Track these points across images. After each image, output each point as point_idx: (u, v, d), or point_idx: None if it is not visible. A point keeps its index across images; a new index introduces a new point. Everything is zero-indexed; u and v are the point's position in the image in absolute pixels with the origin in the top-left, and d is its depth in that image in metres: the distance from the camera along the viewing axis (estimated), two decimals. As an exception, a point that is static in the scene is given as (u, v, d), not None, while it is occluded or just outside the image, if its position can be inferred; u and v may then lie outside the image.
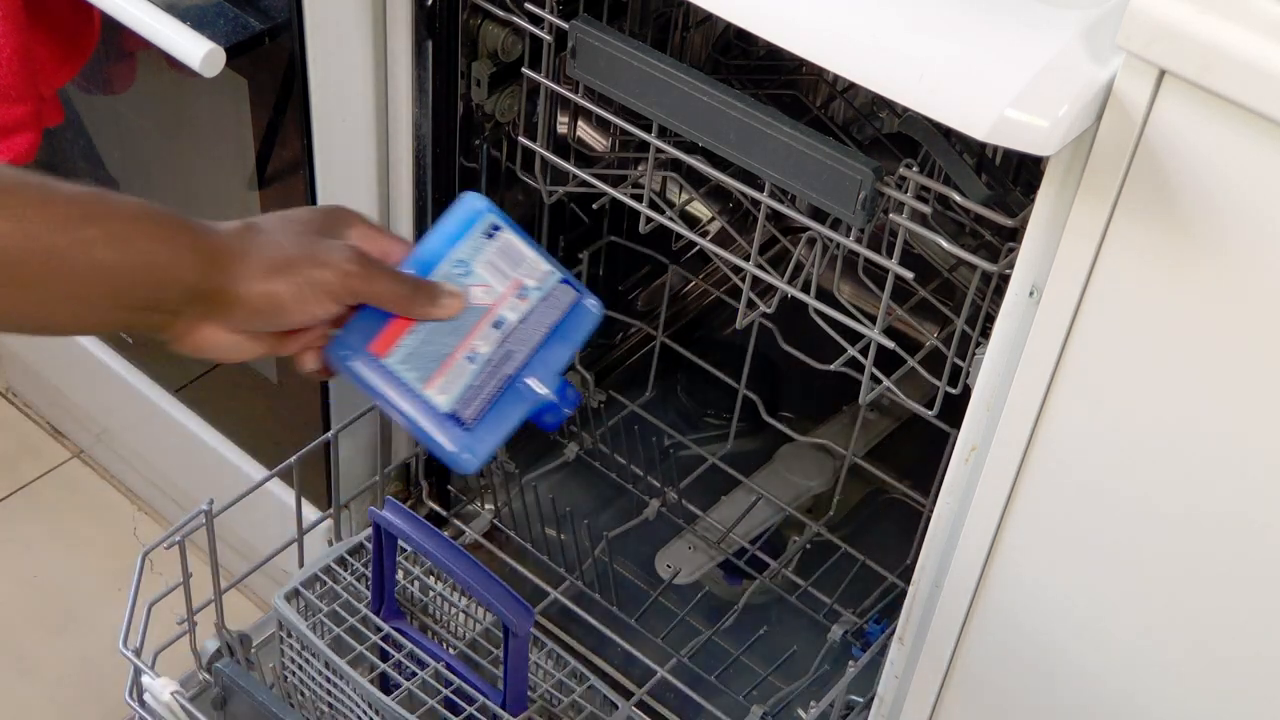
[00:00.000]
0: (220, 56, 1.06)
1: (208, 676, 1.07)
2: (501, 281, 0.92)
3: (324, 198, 1.19)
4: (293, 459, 1.10)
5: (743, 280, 1.03)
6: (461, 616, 1.06)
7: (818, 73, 1.20)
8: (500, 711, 0.98)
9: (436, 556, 0.96)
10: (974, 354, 0.91)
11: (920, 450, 1.36)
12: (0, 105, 1.12)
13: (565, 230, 1.35)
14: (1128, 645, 0.89)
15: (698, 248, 1.10)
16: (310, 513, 1.18)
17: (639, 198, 1.06)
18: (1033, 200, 0.78)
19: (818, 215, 0.97)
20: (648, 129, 1.01)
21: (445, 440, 0.88)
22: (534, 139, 1.10)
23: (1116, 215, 0.75)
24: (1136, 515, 0.84)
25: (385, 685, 1.03)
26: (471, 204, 0.92)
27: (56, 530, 1.75)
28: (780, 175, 0.92)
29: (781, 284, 1.01)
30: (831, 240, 0.99)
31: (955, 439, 0.91)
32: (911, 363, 1.00)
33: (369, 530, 1.01)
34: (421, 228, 1.16)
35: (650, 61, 0.94)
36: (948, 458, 0.98)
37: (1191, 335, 0.76)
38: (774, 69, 1.22)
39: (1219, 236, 0.72)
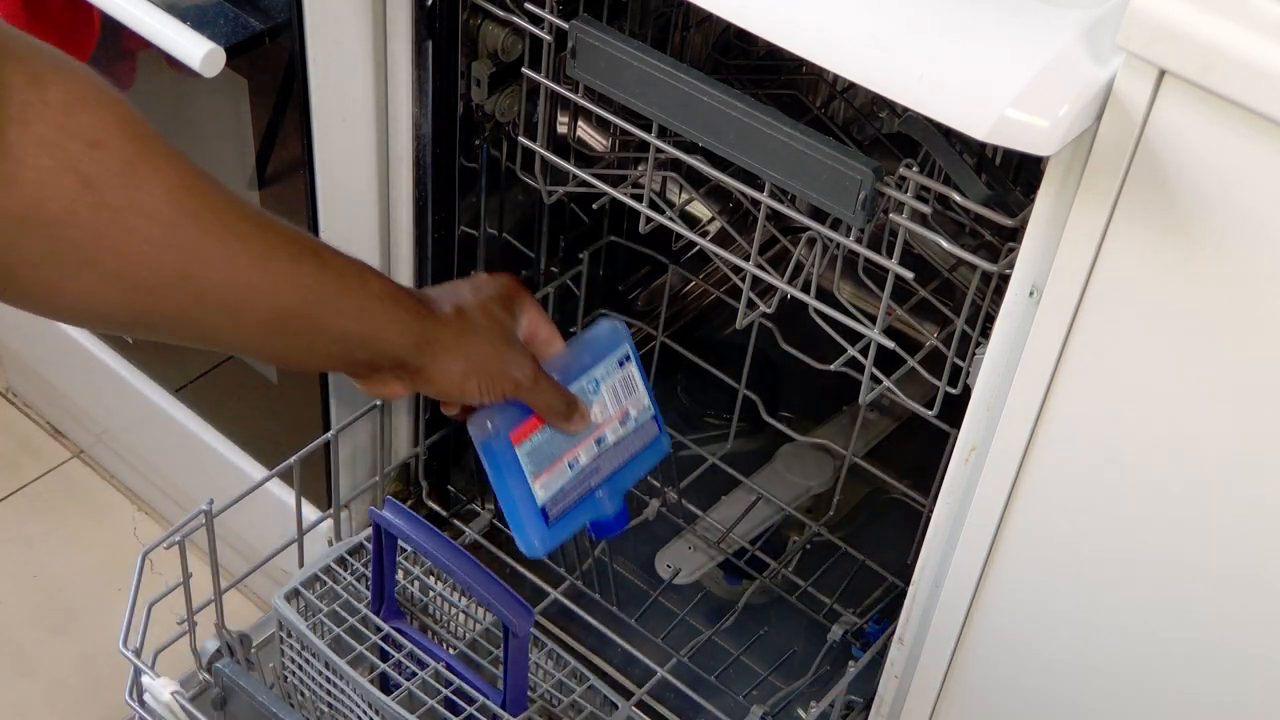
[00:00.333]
0: (220, 56, 1.06)
1: (208, 676, 1.07)
2: (615, 406, 1.07)
3: (324, 198, 1.19)
4: (293, 459, 1.10)
5: (743, 280, 1.03)
6: (461, 616, 1.06)
7: (818, 73, 1.20)
8: (500, 711, 0.98)
9: (436, 556, 0.96)
10: (974, 354, 0.91)
11: (920, 450, 1.36)
12: (0, 105, 1.12)
13: (565, 230, 1.35)
14: (1128, 645, 0.89)
15: (698, 248, 1.10)
16: (310, 513, 1.18)
17: (639, 198, 1.06)
18: (1033, 200, 0.78)
19: (818, 215, 0.97)
20: (648, 129, 1.01)
21: (530, 530, 1.02)
22: (534, 139, 1.10)
23: (1116, 215, 0.75)
24: (1136, 515, 0.84)
25: (385, 685, 1.03)
26: (619, 333, 1.08)
27: (56, 530, 1.75)
28: (780, 175, 0.92)
29: (781, 284, 1.01)
30: (831, 240, 0.99)
31: (955, 439, 0.91)
32: (911, 363, 1.00)
33: (369, 530, 1.01)
34: (421, 227, 1.16)
35: (650, 61, 0.94)
36: (948, 458, 0.98)
37: (1191, 335, 0.76)
38: (774, 69, 1.22)
39: (1219, 236, 0.72)
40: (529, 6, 1.01)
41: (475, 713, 0.99)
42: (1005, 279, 0.83)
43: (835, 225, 0.98)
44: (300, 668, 1.05)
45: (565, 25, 0.98)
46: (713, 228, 1.38)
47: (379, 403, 1.19)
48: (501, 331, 0.99)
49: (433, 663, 1.01)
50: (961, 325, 0.96)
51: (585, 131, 1.25)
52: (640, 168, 1.07)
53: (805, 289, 1.00)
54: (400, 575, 1.05)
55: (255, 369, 1.39)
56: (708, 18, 1.18)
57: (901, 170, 0.89)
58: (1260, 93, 0.66)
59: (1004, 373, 0.85)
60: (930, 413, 1.00)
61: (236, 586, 1.15)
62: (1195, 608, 0.85)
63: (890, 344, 0.97)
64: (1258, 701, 0.86)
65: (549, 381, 1.01)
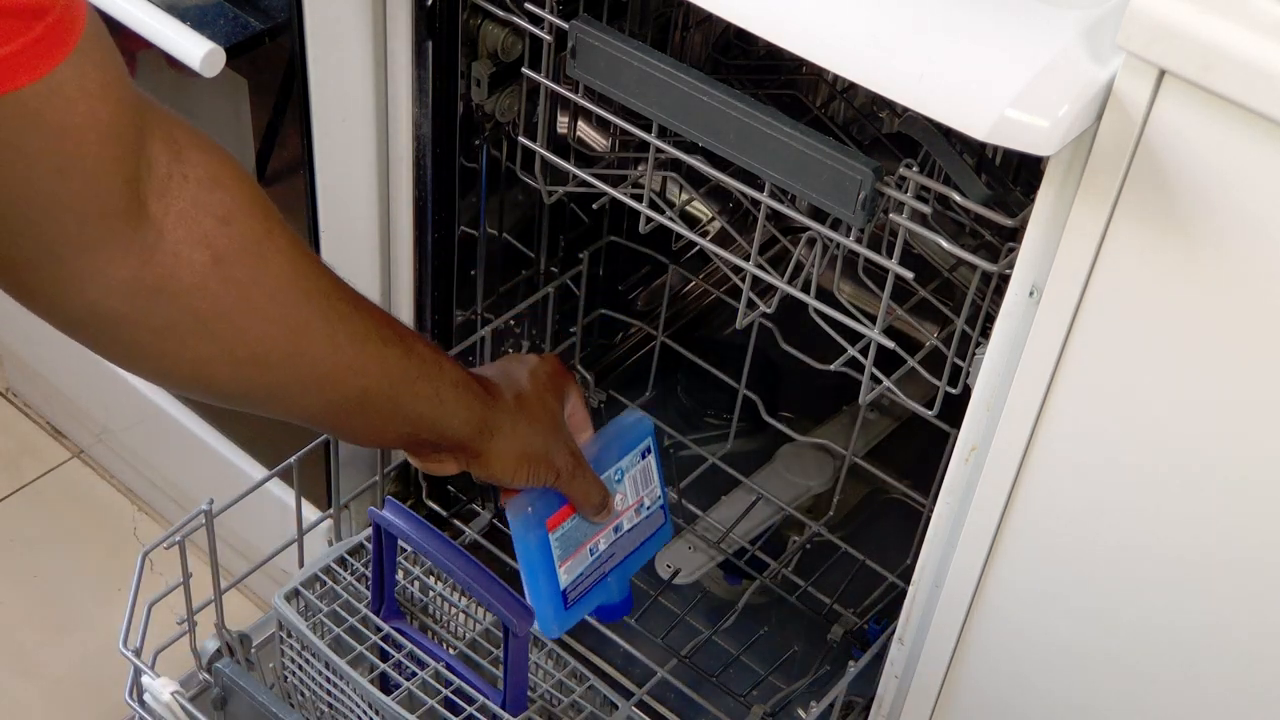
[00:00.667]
0: (220, 56, 1.06)
1: (208, 676, 1.07)
2: (634, 495, 1.13)
3: (324, 198, 1.19)
4: (293, 459, 1.10)
5: (743, 280, 1.03)
6: (461, 616, 1.06)
7: (818, 73, 1.20)
8: (500, 711, 0.98)
9: (436, 556, 0.96)
10: (974, 354, 0.91)
11: (920, 450, 1.36)
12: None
13: (565, 230, 1.35)
14: (1128, 645, 0.89)
15: (698, 248, 1.10)
16: (310, 513, 1.18)
17: (639, 198, 1.06)
18: (1033, 200, 0.78)
19: (818, 215, 0.97)
20: (648, 129, 1.01)
21: (551, 612, 1.07)
22: (534, 139, 1.10)
23: (1116, 215, 0.75)
24: (1137, 514, 0.84)
25: (385, 685, 1.03)
26: (644, 425, 1.14)
27: (56, 530, 1.75)
28: (780, 175, 0.92)
29: (781, 284, 1.01)
30: (831, 240, 0.99)
31: (955, 439, 0.91)
32: (911, 363, 0.99)
33: (369, 530, 1.01)
34: (421, 227, 1.16)
35: (650, 61, 0.94)
36: (948, 458, 0.98)
37: (1192, 334, 0.76)
38: (774, 69, 1.22)
39: (1219, 236, 0.72)
40: (529, 6, 1.01)
41: (475, 713, 0.99)
42: (1005, 279, 0.83)
43: (835, 225, 0.98)
44: (300, 668, 1.05)
45: (565, 25, 0.98)
46: (713, 228, 1.38)
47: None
48: (552, 420, 1.04)
49: (433, 663, 1.01)
50: (961, 325, 0.96)
51: (585, 131, 1.25)
52: (640, 168, 1.07)
53: (805, 289, 1.00)
54: (400, 575, 1.05)
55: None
56: (708, 18, 1.18)
57: (901, 170, 0.89)
58: (1260, 93, 0.66)
59: (1004, 373, 0.85)
60: (930, 413, 1.00)
61: (236, 586, 1.15)
62: (1196, 608, 0.85)
63: (890, 344, 0.97)
64: (1261, 700, 0.86)
65: (587, 473, 1.06)
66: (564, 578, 1.08)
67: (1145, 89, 0.70)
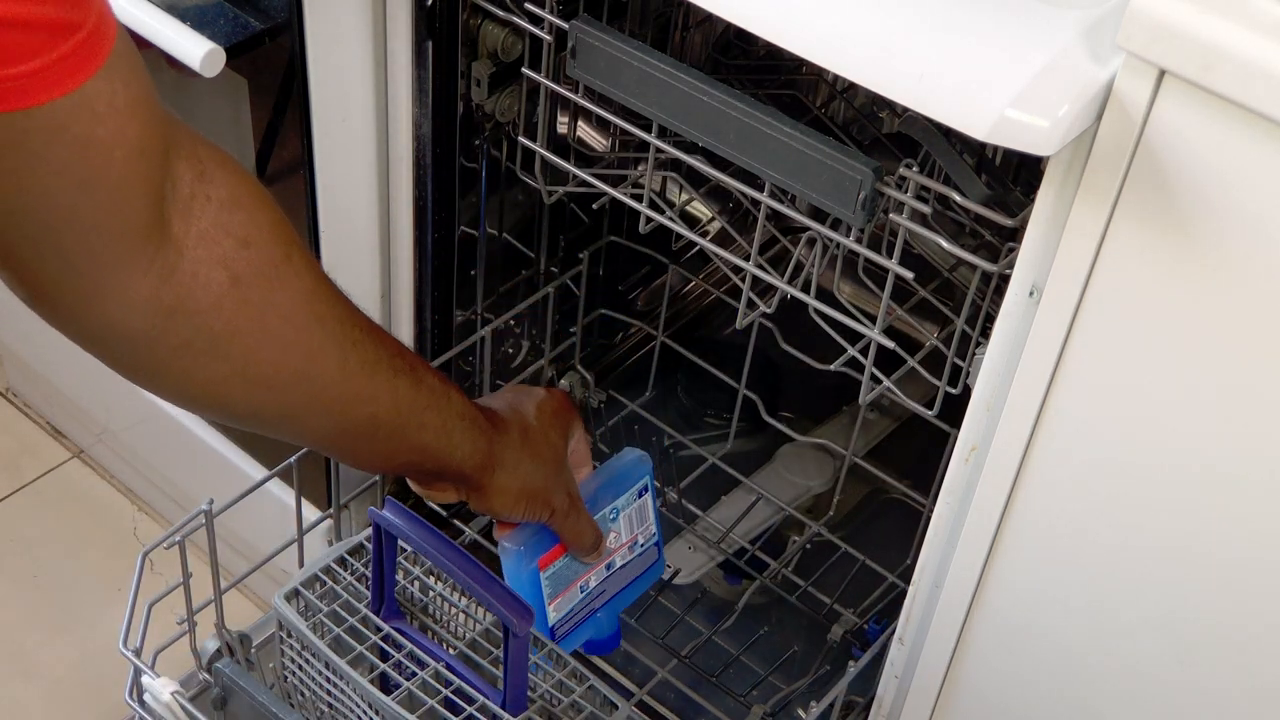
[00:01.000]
0: (220, 56, 1.06)
1: (208, 676, 1.07)
2: (628, 534, 1.13)
3: (324, 198, 1.19)
4: (293, 459, 1.10)
5: (743, 280, 1.03)
6: (461, 616, 1.06)
7: (818, 73, 1.20)
8: (500, 711, 0.98)
9: (436, 556, 0.96)
10: (974, 354, 0.91)
11: (920, 450, 1.36)
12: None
13: (565, 230, 1.35)
14: (1128, 644, 0.89)
15: (698, 248, 1.10)
16: (310, 513, 1.18)
17: (639, 198, 1.06)
18: (1033, 200, 0.78)
19: (818, 215, 0.97)
20: (648, 129, 1.01)
21: None
22: (534, 139, 1.10)
23: (1116, 215, 0.75)
24: (1137, 514, 0.84)
25: (385, 685, 1.03)
26: (643, 465, 1.14)
27: (56, 530, 1.75)
28: (780, 175, 0.92)
29: (781, 284, 1.01)
30: (831, 240, 0.99)
31: (955, 439, 0.91)
32: (911, 363, 0.99)
33: (369, 530, 1.01)
34: (421, 227, 1.16)
35: (650, 61, 0.94)
36: (948, 458, 0.98)
37: (1191, 334, 0.76)
38: (774, 69, 1.22)
39: (1218, 236, 0.72)
40: (529, 6, 1.01)
41: (475, 713, 0.99)
42: (1005, 279, 0.83)
43: (835, 225, 0.98)
44: (300, 668, 1.05)
45: (565, 25, 0.98)
46: (713, 228, 1.38)
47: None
48: (555, 458, 1.05)
49: (433, 663, 1.01)
50: (961, 325, 0.96)
51: (585, 131, 1.25)
52: (640, 168, 1.07)
53: (805, 289, 1.00)
54: (400, 575, 1.05)
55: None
56: (708, 18, 1.18)
57: (901, 170, 0.89)
58: (1260, 93, 0.66)
59: (1004, 373, 0.85)
60: (930, 413, 1.00)
61: (236, 586, 1.15)
62: (1196, 607, 0.85)
63: (890, 344, 0.97)
64: (1262, 699, 0.86)
65: (582, 514, 1.07)
66: (553, 615, 1.09)
67: (1145, 89, 0.70)
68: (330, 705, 1.05)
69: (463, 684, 1.00)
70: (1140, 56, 0.69)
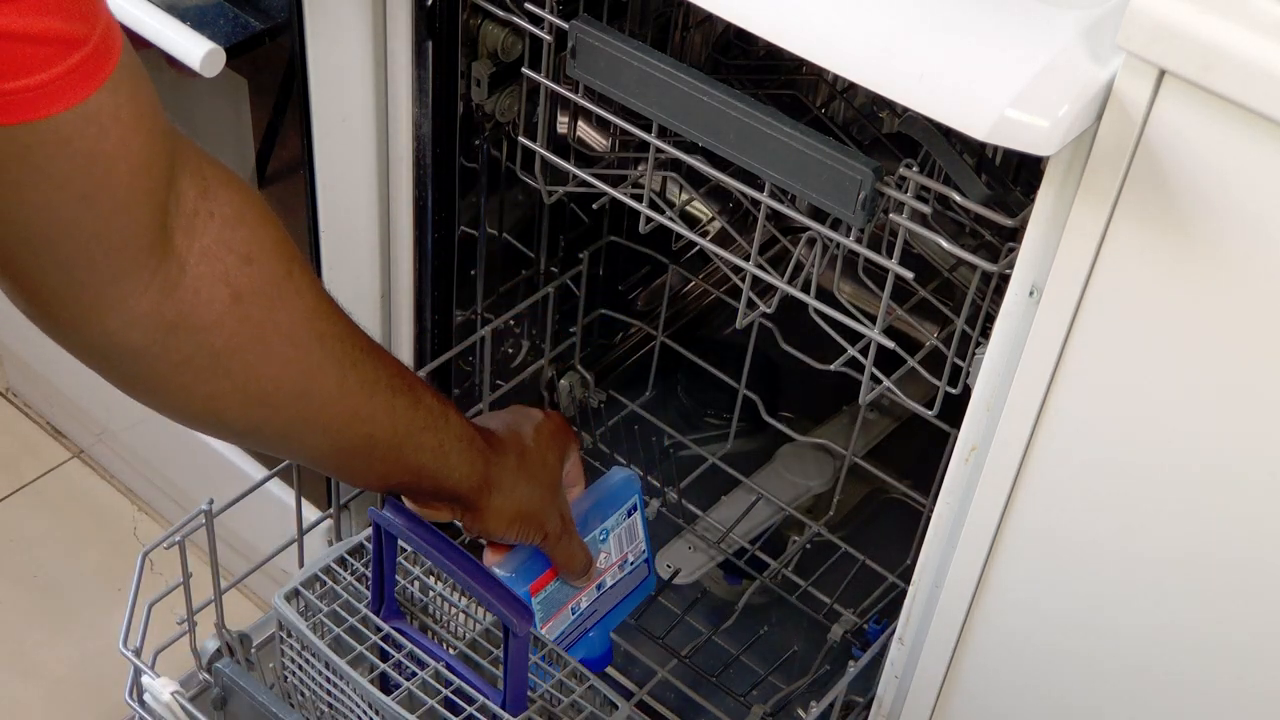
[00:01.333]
0: (220, 56, 1.06)
1: (208, 676, 1.07)
2: (617, 553, 1.14)
3: (324, 198, 1.19)
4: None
5: (743, 280, 1.03)
6: (461, 616, 1.06)
7: (818, 73, 1.20)
8: (500, 711, 0.98)
9: (436, 556, 0.96)
10: (974, 354, 0.91)
11: (920, 450, 1.36)
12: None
13: (565, 230, 1.35)
14: (1128, 644, 0.89)
15: (698, 248, 1.10)
16: (310, 513, 1.18)
17: (639, 198, 1.06)
18: (1033, 200, 0.78)
19: (818, 215, 0.97)
20: (648, 129, 1.01)
21: None
22: (534, 139, 1.10)
23: (1116, 215, 0.75)
24: (1137, 514, 0.84)
25: (385, 685, 1.03)
26: (631, 484, 1.15)
27: (56, 530, 1.75)
28: (780, 175, 0.92)
29: (781, 284, 1.01)
30: (831, 240, 0.99)
31: (955, 439, 0.91)
32: (911, 363, 1.00)
33: (369, 530, 1.01)
34: (421, 227, 1.16)
35: (650, 61, 0.94)
36: (948, 458, 0.98)
37: (1191, 334, 0.76)
38: (774, 69, 1.22)
39: (1218, 236, 0.72)
40: (529, 6, 1.01)
41: (475, 713, 0.99)
42: (1005, 279, 0.83)
43: (835, 225, 0.98)
44: (300, 668, 1.05)
45: (565, 25, 0.98)
46: (713, 228, 1.38)
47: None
48: (551, 480, 1.05)
49: (433, 663, 1.01)
50: (961, 325, 0.96)
51: (585, 131, 1.25)
52: (640, 168, 1.07)
53: (805, 289, 1.00)
54: (400, 575, 1.05)
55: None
56: (708, 18, 1.18)
57: (901, 170, 0.89)
58: (1260, 93, 0.66)
59: (1004, 373, 0.85)
60: (930, 413, 1.00)
61: (236, 586, 1.15)
62: (1196, 607, 0.85)
63: (890, 344, 0.97)
64: (1262, 699, 0.86)
65: (574, 538, 1.08)
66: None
67: (1145, 89, 0.70)
68: (330, 705, 1.05)
69: (463, 684, 1.00)
70: (1140, 56, 0.69)
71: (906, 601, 1.00)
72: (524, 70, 1.06)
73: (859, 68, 0.77)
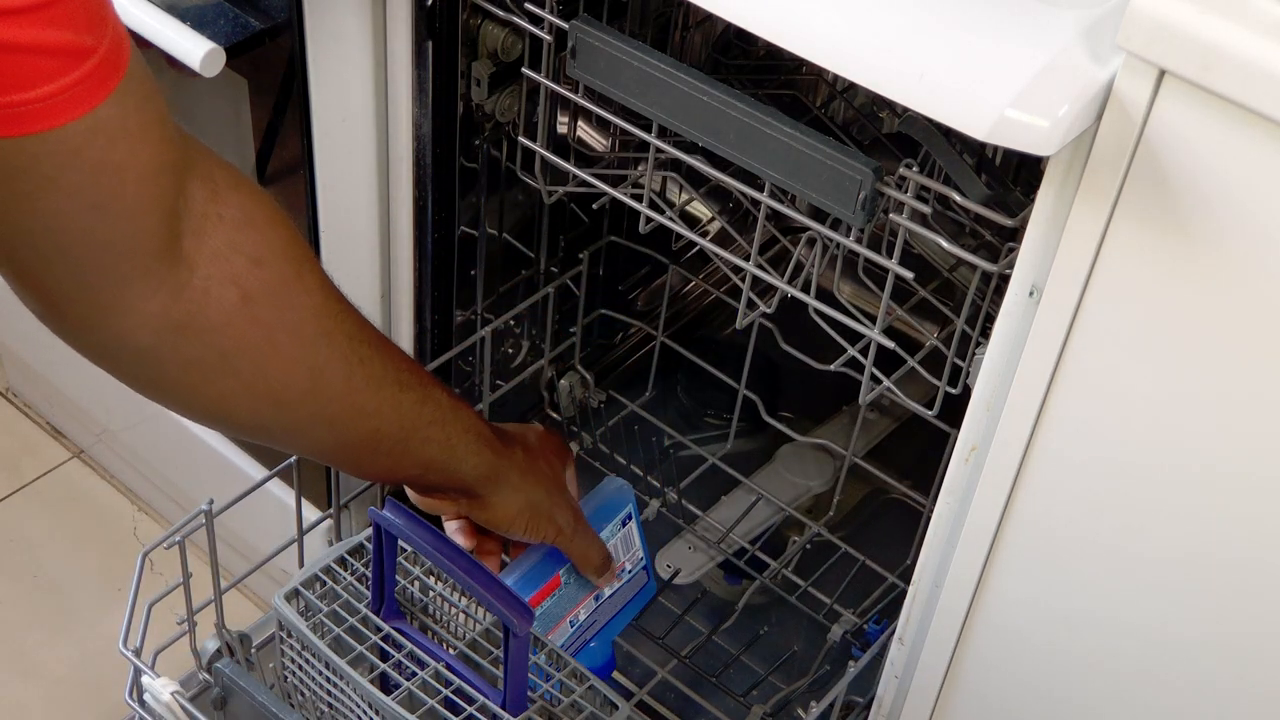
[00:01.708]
0: (220, 56, 1.06)
1: (208, 676, 1.07)
2: (615, 563, 1.13)
3: (324, 198, 1.19)
4: (293, 459, 1.10)
5: (743, 280, 1.03)
6: (461, 616, 1.06)
7: (818, 73, 1.20)
8: (500, 711, 0.98)
9: (436, 556, 0.96)
10: (974, 354, 0.91)
11: (920, 450, 1.36)
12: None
13: (565, 230, 1.35)
14: (1129, 644, 0.89)
15: (698, 248, 1.10)
16: (310, 513, 1.18)
17: (639, 198, 1.06)
18: (1033, 200, 0.78)
19: (818, 215, 0.97)
20: (648, 129, 1.01)
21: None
22: (534, 139, 1.10)
23: (1116, 215, 0.75)
24: (1137, 514, 0.84)
25: (385, 685, 1.03)
26: (625, 493, 1.15)
27: (56, 530, 1.75)
28: (780, 175, 0.92)
29: (781, 284, 1.01)
30: (831, 240, 0.99)
31: (955, 439, 0.91)
32: (911, 363, 0.99)
33: (369, 530, 1.01)
34: (421, 227, 1.16)
35: (650, 61, 0.94)
36: (948, 458, 0.98)
37: (1191, 334, 0.76)
38: (774, 69, 1.22)
39: (1219, 236, 0.72)
40: (529, 6, 1.01)
41: (475, 713, 0.99)
42: (1005, 279, 0.83)
43: (835, 225, 0.98)
44: (300, 668, 1.05)
45: (565, 25, 0.98)
46: (713, 228, 1.38)
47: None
48: (557, 479, 1.07)
49: (433, 663, 1.01)
50: (961, 325, 0.96)
51: (585, 131, 1.25)
52: (640, 168, 1.07)
53: (805, 289, 1.00)
54: (400, 575, 1.05)
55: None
56: (708, 18, 1.18)
57: (901, 170, 0.89)
58: (1260, 93, 0.66)
59: (1004, 373, 0.85)
60: (930, 413, 1.00)
61: (236, 586, 1.15)
62: (1196, 607, 0.85)
63: (890, 344, 0.97)
64: (1262, 699, 0.86)
65: (587, 532, 1.08)
66: None
67: (1145, 89, 0.70)
68: (330, 705, 1.05)
69: (463, 684, 1.00)
70: (1140, 56, 0.69)
71: (906, 601, 1.00)
72: (524, 70, 1.06)
73: (859, 68, 0.77)
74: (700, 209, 1.37)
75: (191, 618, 1.06)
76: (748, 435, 1.45)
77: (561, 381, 1.41)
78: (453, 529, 1.07)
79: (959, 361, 0.96)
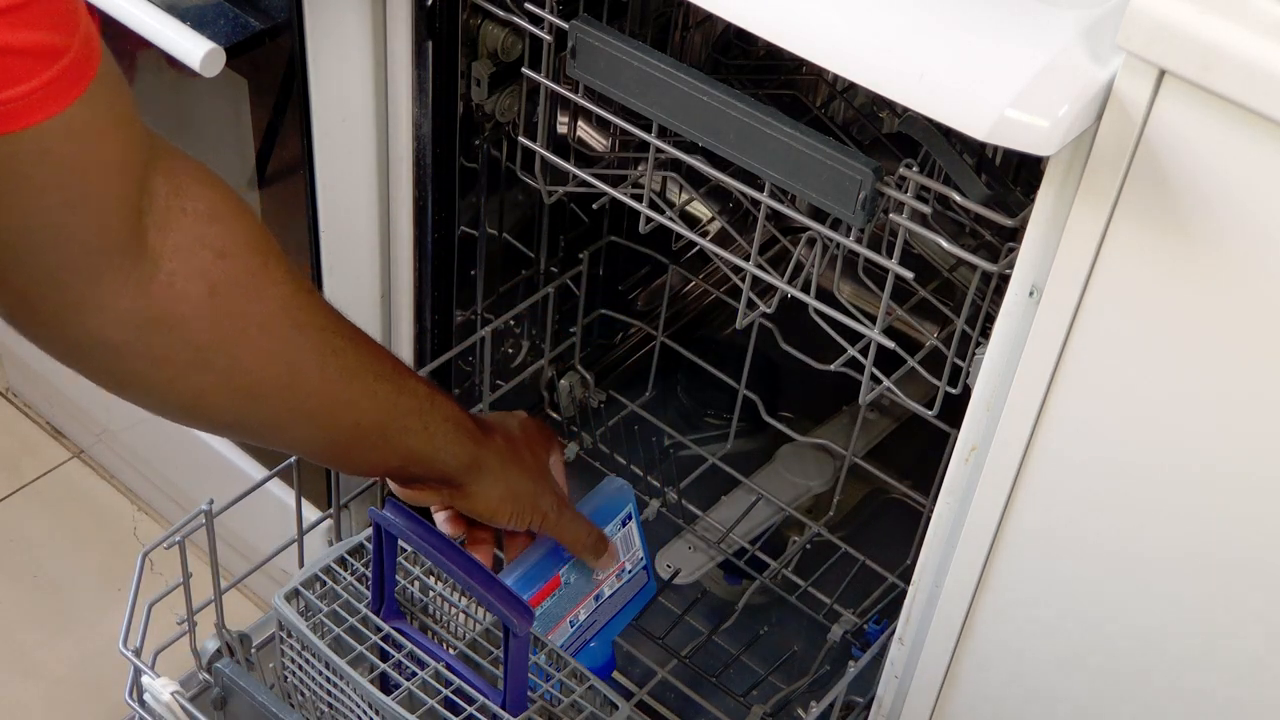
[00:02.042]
0: (220, 56, 1.06)
1: (208, 676, 1.07)
2: (615, 563, 1.12)
3: (324, 198, 1.19)
4: (293, 459, 1.10)
5: (743, 280, 1.03)
6: (461, 616, 1.06)
7: (818, 73, 1.20)
8: (500, 711, 0.98)
9: (436, 556, 0.96)
10: (974, 354, 0.91)
11: (920, 450, 1.36)
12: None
13: (565, 230, 1.35)
14: (1129, 644, 0.89)
15: (698, 248, 1.10)
16: (310, 513, 1.18)
17: (639, 198, 1.06)
18: (1033, 200, 0.78)
19: (818, 215, 0.97)
20: (648, 129, 1.01)
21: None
22: (534, 139, 1.10)
23: (1116, 215, 0.75)
24: (1137, 514, 0.84)
25: (385, 685, 1.03)
26: (625, 493, 1.15)
27: (56, 530, 1.75)
28: (780, 175, 0.92)
29: (781, 284, 1.01)
30: (831, 240, 0.99)
31: (955, 439, 0.91)
32: (911, 363, 0.99)
33: (369, 530, 1.01)
34: (421, 227, 1.16)
35: (650, 61, 0.94)
36: (948, 458, 0.98)
37: (1191, 334, 0.76)
38: (774, 69, 1.22)
39: (1218, 236, 0.72)
40: (529, 6, 1.01)
41: (475, 713, 0.99)
42: (1005, 279, 0.83)
43: (835, 225, 0.98)
44: (300, 668, 1.05)
45: (565, 25, 0.98)
46: (713, 228, 1.38)
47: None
48: (539, 467, 1.06)
49: (433, 663, 1.01)
50: (961, 325, 0.96)
51: (585, 131, 1.25)
52: (640, 168, 1.07)
53: (805, 289, 1.00)
54: (400, 575, 1.05)
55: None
56: (708, 18, 1.18)
57: (901, 170, 0.89)
58: (1260, 93, 0.66)
59: (1004, 373, 0.85)
60: (930, 413, 1.00)
61: (236, 586, 1.15)
62: (1197, 606, 0.85)
63: (890, 344, 0.97)
64: (1261, 699, 0.86)
65: (575, 516, 1.08)
66: None
67: (1145, 89, 0.70)
68: (330, 705, 1.05)
69: (463, 684, 1.00)
70: (1140, 56, 0.69)
71: (906, 601, 1.00)
72: (524, 70, 1.06)
73: (859, 68, 0.77)
74: (700, 209, 1.37)
75: (191, 618, 1.06)
76: (748, 435, 1.45)
77: (561, 381, 1.41)
78: (441, 519, 1.07)
79: (959, 361, 0.96)
